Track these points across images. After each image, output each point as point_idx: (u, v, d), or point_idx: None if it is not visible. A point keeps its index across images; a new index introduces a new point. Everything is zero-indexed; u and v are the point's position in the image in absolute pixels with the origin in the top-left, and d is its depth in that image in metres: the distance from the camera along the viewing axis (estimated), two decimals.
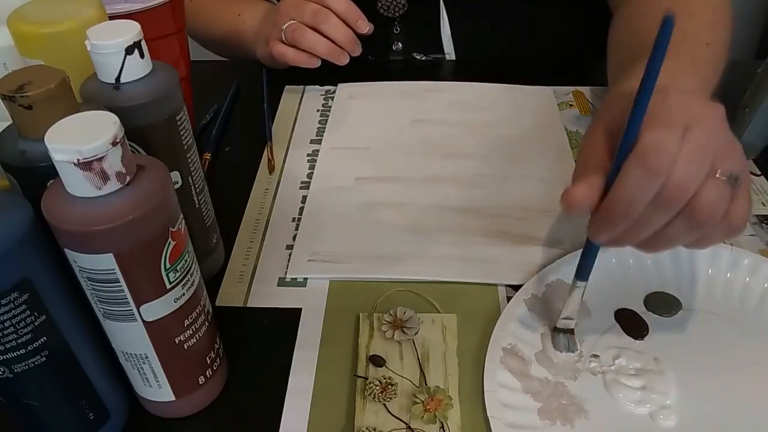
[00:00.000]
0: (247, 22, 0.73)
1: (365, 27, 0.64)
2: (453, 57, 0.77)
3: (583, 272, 0.40)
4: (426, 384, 0.40)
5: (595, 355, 0.41)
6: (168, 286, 0.33)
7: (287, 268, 0.48)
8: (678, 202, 0.34)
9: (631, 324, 0.43)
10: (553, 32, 0.76)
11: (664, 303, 0.44)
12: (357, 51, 0.65)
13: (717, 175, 0.34)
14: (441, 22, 0.75)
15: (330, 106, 0.67)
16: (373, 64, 0.76)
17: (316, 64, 0.66)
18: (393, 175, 0.57)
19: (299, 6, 0.65)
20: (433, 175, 0.57)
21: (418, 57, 0.78)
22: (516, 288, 0.46)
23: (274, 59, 0.67)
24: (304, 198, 0.56)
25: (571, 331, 0.42)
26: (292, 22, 0.65)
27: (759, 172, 0.57)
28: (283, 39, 0.66)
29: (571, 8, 0.75)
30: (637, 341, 0.42)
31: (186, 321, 0.35)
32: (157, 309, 0.33)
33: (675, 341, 0.42)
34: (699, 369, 0.40)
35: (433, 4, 0.74)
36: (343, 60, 0.65)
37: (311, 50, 0.64)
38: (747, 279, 0.45)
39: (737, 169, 0.34)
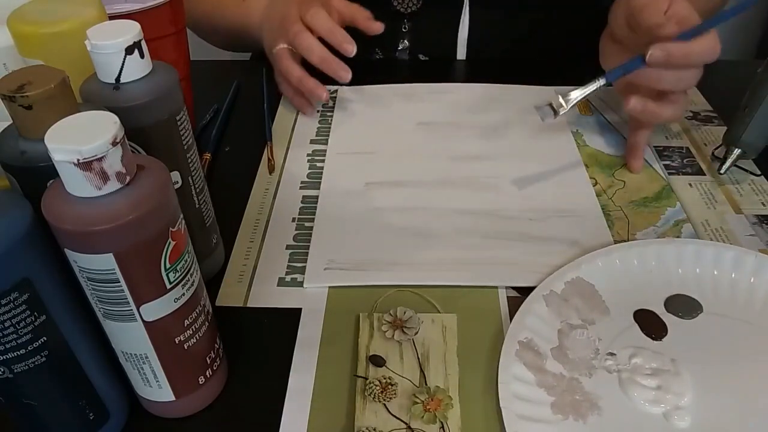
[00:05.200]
0: (252, 8, 0.72)
1: (351, 50, 0.60)
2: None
3: (611, 74, 0.52)
4: (426, 384, 0.40)
5: (612, 354, 0.41)
6: (168, 286, 0.33)
7: (304, 276, 0.48)
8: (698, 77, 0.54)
9: (650, 324, 0.43)
10: (565, 36, 0.75)
11: (684, 305, 0.44)
12: (346, 77, 0.61)
13: None
14: (460, 25, 0.75)
15: (331, 107, 0.67)
16: (370, 64, 0.76)
17: (309, 113, 0.66)
18: (402, 179, 0.57)
19: (289, 26, 0.62)
20: (442, 178, 0.57)
21: (422, 58, 0.78)
22: (516, 289, 0.46)
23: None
24: (304, 198, 0.56)
25: (555, 108, 0.52)
26: (282, 46, 0.64)
27: (759, 172, 0.57)
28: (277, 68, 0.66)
29: (584, 12, 0.74)
30: (654, 342, 0.42)
31: (186, 321, 0.35)
32: (157, 309, 0.33)
33: (694, 344, 0.42)
34: (716, 372, 0.40)
35: (450, 5, 0.74)
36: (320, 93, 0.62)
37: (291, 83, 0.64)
38: None
39: None
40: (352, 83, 0.62)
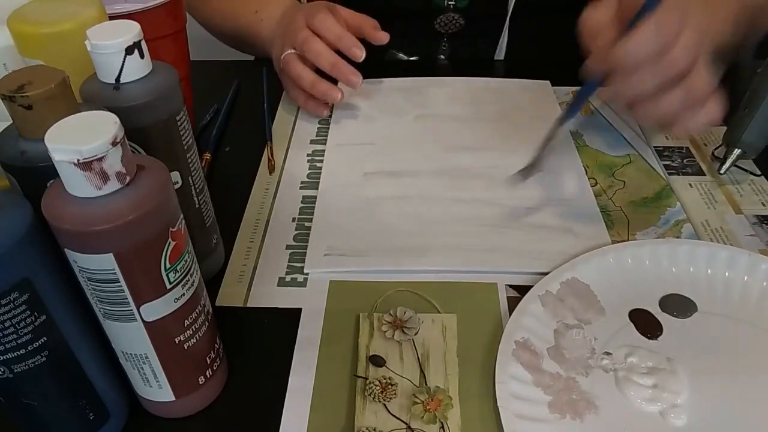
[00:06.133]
0: (264, 20, 0.72)
1: (361, 54, 0.60)
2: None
3: (569, 112, 0.50)
4: (426, 384, 0.40)
5: (608, 353, 0.41)
6: (168, 286, 0.33)
7: (305, 276, 0.48)
8: (674, 69, 0.42)
9: (645, 324, 0.43)
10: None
11: (679, 305, 0.44)
12: (356, 82, 0.61)
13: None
14: (499, 45, 0.76)
15: (330, 105, 0.67)
16: (373, 63, 0.76)
17: (324, 114, 0.65)
18: (400, 169, 0.58)
19: (296, 32, 0.62)
20: (439, 168, 0.58)
21: None
22: (517, 288, 0.46)
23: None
24: (304, 198, 0.56)
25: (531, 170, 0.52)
26: (290, 51, 0.64)
27: (759, 172, 0.57)
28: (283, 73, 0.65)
29: None
30: (650, 341, 0.42)
31: (186, 321, 0.35)
32: (157, 309, 0.33)
33: (689, 342, 0.42)
34: (712, 370, 0.40)
35: (490, 26, 0.74)
36: (333, 96, 0.62)
37: (304, 88, 0.64)
38: (765, 284, 0.45)
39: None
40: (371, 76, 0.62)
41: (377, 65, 0.60)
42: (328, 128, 0.65)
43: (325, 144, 0.62)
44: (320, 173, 0.59)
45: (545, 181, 0.56)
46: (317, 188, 0.57)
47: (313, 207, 0.55)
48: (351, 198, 0.55)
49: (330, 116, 0.66)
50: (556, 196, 0.54)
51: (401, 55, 0.78)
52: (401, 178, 0.57)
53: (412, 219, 0.52)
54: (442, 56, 0.78)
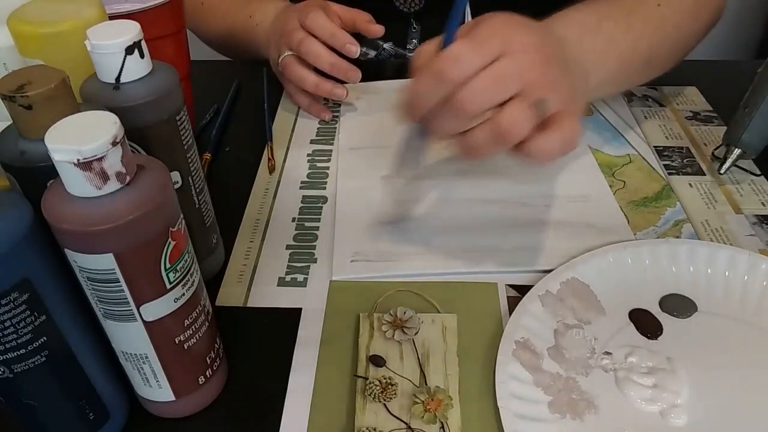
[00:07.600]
0: (259, 24, 0.72)
1: (355, 51, 0.61)
2: None
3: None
4: (426, 384, 0.40)
5: (608, 353, 0.41)
6: (168, 286, 0.33)
7: (332, 270, 0.48)
8: (464, 112, 0.38)
9: (645, 324, 0.43)
10: None
11: (679, 305, 0.44)
12: (356, 78, 0.62)
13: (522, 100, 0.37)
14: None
15: (330, 104, 0.67)
16: (370, 63, 0.76)
17: (328, 117, 0.66)
18: (417, 171, 0.58)
19: (291, 33, 0.63)
20: (455, 169, 0.58)
21: None
22: (517, 288, 0.46)
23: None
24: (304, 198, 0.56)
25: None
26: (287, 54, 0.64)
27: (759, 172, 0.57)
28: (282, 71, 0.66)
29: None
30: (650, 341, 0.42)
31: (186, 321, 0.35)
32: (157, 309, 0.33)
33: (689, 342, 0.42)
34: (712, 370, 0.40)
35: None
36: (329, 90, 0.63)
37: (307, 90, 0.64)
38: (765, 284, 0.45)
39: (551, 100, 0.38)
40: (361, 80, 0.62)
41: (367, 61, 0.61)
42: (329, 128, 0.65)
43: (326, 144, 0.63)
44: (321, 173, 0.59)
45: (562, 177, 0.56)
46: (318, 188, 0.57)
47: (315, 207, 0.55)
48: (371, 202, 0.55)
49: (333, 119, 0.66)
50: (575, 194, 0.54)
51: (379, 41, 0.78)
52: (418, 180, 0.57)
53: (434, 221, 0.52)
54: (414, 40, 0.77)
